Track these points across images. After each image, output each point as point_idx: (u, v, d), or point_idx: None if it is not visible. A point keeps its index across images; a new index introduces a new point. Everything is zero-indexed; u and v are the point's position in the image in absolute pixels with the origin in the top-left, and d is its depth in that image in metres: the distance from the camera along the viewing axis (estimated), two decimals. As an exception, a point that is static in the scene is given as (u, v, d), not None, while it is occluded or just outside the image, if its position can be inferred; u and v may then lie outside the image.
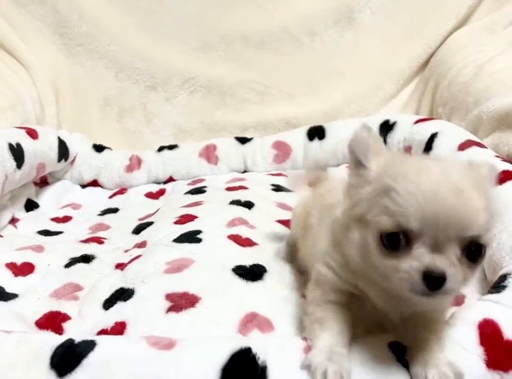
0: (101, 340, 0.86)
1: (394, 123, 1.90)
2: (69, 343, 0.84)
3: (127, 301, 1.13)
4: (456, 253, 0.72)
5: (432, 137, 1.67)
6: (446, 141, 1.62)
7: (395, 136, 1.87)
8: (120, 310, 1.11)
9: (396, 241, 0.74)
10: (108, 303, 1.15)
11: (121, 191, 1.97)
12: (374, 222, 0.76)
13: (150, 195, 1.93)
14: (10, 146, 1.59)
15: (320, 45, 2.46)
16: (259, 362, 0.79)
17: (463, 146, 1.52)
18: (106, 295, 1.18)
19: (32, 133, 1.75)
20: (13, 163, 1.58)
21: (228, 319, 1.06)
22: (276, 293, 1.15)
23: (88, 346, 0.83)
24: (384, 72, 2.41)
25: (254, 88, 2.43)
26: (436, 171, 0.74)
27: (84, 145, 2.05)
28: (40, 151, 1.76)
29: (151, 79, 2.43)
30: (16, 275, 1.29)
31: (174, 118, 2.44)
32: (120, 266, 1.32)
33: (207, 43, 2.45)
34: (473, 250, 0.73)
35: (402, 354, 0.81)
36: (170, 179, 2.01)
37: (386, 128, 1.91)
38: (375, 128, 1.92)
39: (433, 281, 0.71)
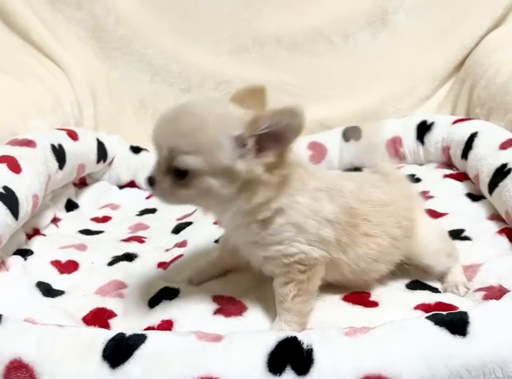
0: (151, 334, 0.87)
1: (432, 123, 1.88)
2: (120, 337, 0.86)
3: (172, 300, 1.14)
4: (163, 168, 0.95)
5: (472, 137, 1.66)
6: (487, 140, 1.60)
7: (433, 137, 1.85)
8: (166, 309, 1.12)
9: None
10: (153, 302, 1.16)
11: (158, 192, 1.98)
12: None
13: (187, 196, 1.93)
14: (53, 146, 1.61)
15: (353, 47, 2.44)
16: (304, 346, 0.82)
17: (505, 145, 1.50)
18: (151, 293, 1.19)
19: (73, 135, 1.78)
20: (56, 164, 1.60)
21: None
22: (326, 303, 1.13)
23: (139, 339, 0.85)
24: (419, 73, 2.39)
25: (288, 90, 2.42)
26: (178, 106, 1.02)
27: (121, 146, 2.07)
28: (80, 152, 1.78)
29: (186, 82, 2.44)
30: (61, 272, 1.31)
31: (208, 121, 2.44)
32: (163, 265, 1.33)
33: (241, 45, 2.45)
34: (176, 170, 0.94)
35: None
36: (206, 180, 2.01)
37: (423, 128, 1.89)
38: (413, 128, 1.91)
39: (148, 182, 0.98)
